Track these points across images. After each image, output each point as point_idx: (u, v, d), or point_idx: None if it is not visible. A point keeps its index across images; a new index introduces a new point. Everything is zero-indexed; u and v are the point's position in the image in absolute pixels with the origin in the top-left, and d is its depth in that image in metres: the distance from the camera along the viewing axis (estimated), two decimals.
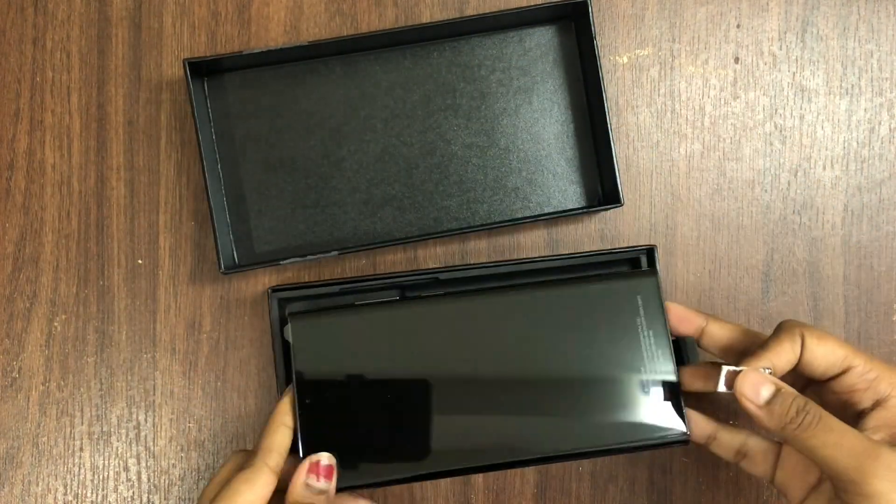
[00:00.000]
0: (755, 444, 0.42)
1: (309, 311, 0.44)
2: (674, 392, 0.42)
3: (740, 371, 0.38)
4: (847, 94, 0.50)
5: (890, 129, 0.50)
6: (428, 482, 0.48)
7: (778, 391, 0.37)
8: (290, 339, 0.42)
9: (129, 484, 0.48)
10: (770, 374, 0.39)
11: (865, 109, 0.50)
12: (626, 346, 0.42)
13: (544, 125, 0.48)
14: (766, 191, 0.50)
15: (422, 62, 0.48)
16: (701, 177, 0.50)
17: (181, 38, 0.48)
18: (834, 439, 0.35)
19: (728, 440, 0.42)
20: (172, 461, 0.48)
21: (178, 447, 0.48)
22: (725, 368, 0.39)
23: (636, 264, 0.46)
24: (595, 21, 0.46)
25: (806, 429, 0.36)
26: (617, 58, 0.49)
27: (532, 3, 0.48)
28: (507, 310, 0.43)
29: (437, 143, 0.48)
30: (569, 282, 0.44)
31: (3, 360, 0.48)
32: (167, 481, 0.48)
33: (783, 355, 0.39)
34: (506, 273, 0.45)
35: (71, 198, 0.48)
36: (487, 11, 0.48)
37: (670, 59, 0.49)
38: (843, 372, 0.39)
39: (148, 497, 0.48)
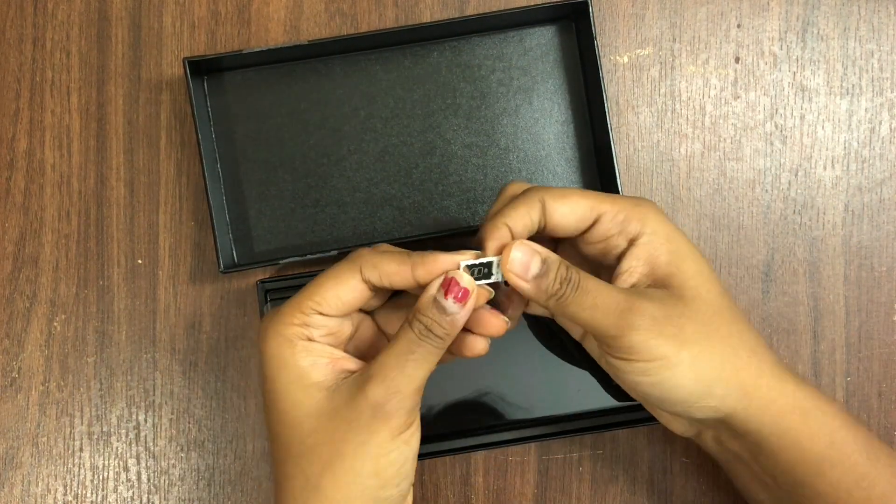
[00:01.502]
0: None
1: (288, 287, 0.45)
2: None
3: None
4: (848, 93, 0.50)
5: (890, 129, 0.50)
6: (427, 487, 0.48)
7: (544, 262, 0.36)
8: None
9: (129, 484, 0.48)
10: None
11: (866, 109, 0.50)
12: None
13: (544, 125, 0.48)
14: (766, 191, 0.49)
15: (422, 62, 0.48)
16: (701, 177, 0.49)
17: (181, 38, 0.48)
18: (590, 301, 0.35)
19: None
20: (172, 461, 0.48)
21: (178, 447, 0.48)
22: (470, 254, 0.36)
23: None
24: (595, 21, 0.46)
25: (567, 298, 0.35)
26: (617, 58, 0.49)
27: (532, 3, 0.48)
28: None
29: (437, 142, 0.48)
30: None
31: (3, 360, 0.48)
32: (167, 481, 0.48)
33: (519, 220, 0.37)
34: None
35: (71, 198, 0.48)
36: (487, 11, 0.47)
37: (671, 59, 0.49)
38: (594, 223, 0.38)
39: (148, 497, 0.48)
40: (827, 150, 0.50)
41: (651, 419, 0.46)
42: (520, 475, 0.48)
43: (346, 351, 0.37)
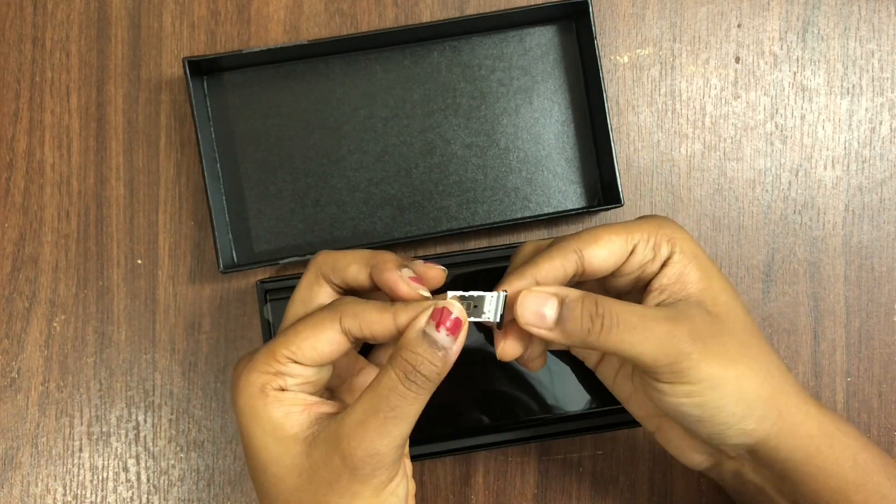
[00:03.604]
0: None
1: (287, 287, 0.44)
2: None
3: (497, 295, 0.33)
4: (848, 93, 0.50)
5: (891, 129, 0.50)
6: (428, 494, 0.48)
7: (563, 304, 0.33)
8: (270, 318, 0.44)
9: (129, 484, 0.48)
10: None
11: (866, 109, 0.50)
12: None
13: (544, 125, 0.48)
14: (766, 191, 0.49)
15: (422, 62, 0.48)
16: (701, 177, 0.49)
17: (181, 38, 0.48)
18: (639, 336, 0.33)
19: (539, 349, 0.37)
20: (172, 462, 0.48)
21: (178, 448, 0.48)
22: (489, 297, 0.33)
23: None
24: (595, 21, 0.46)
25: (608, 334, 0.33)
26: (617, 57, 0.49)
27: (532, 3, 0.48)
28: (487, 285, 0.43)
29: (437, 142, 0.48)
30: None
31: (3, 361, 0.47)
32: (167, 482, 0.48)
33: (551, 272, 0.34)
34: (494, 258, 0.45)
35: (70, 198, 0.48)
36: (488, 11, 0.47)
37: (671, 59, 0.49)
38: (630, 255, 0.36)
39: (147, 498, 0.48)
40: (827, 150, 0.50)
41: None
42: (520, 475, 0.48)
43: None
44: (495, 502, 0.48)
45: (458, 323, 0.32)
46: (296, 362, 0.33)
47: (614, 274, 0.36)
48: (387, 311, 0.32)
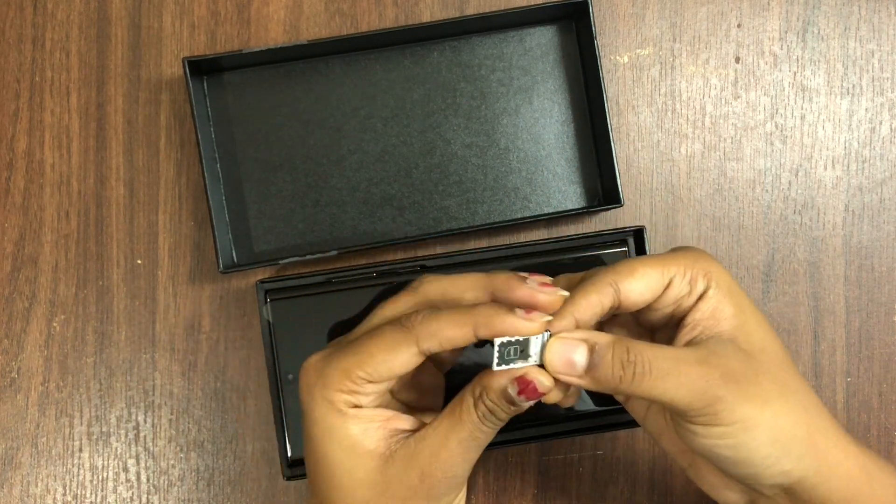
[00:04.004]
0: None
1: (287, 287, 0.45)
2: None
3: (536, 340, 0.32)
4: (848, 93, 0.50)
5: (891, 129, 0.50)
6: None
7: (593, 350, 0.33)
8: (270, 318, 0.44)
9: (129, 484, 0.48)
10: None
11: (866, 109, 0.50)
12: None
13: (544, 125, 0.48)
14: (766, 191, 0.49)
15: (422, 62, 0.48)
16: (701, 177, 0.49)
17: (181, 38, 0.48)
18: (672, 382, 0.32)
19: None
20: (172, 462, 0.48)
21: (178, 448, 0.48)
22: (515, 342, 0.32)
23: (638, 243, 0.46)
24: (595, 21, 0.46)
25: (641, 381, 0.32)
26: (617, 57, 0.49)
27: (532, 3, 0.48)
28: None
29: (437, 142, 0.48)
30: (542, 255, 0.45)
31: (2, 361, 0.47)
32: (167, 482, 0.48)
33: (589, 310, 0.34)
34: (494, 258, 0.45)
35: (70, 198, 0.48)
36: (488, 11, 0.47)
37: (671, 59, 0.49)
38: (666, 288, 0.35)
39: (147, 498, 0.47)
40: (827, 150, 0.50)
41: None
42: (520, 475, 0.48)
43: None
44: (495, 502, 0.48)
45: (540, 394, 0.32)
46: (370, 382, 0.33)
47: (650, 307, 0.36)
48: (466, 325, 0.32)
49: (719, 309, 0.35)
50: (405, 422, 0.35)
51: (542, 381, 0.32)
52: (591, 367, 0.33)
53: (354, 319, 0.44)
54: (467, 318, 0.32)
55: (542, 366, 0.33)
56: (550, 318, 0.33)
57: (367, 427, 0.33)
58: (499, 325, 0.31)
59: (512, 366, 0.32)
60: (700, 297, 0.35)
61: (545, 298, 0.33)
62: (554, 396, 0.34)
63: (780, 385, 0.34)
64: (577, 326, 0.34)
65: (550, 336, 0.32)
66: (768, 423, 0.33)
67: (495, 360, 0.32)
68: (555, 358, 0.33)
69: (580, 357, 0.33)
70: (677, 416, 0.34)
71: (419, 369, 0.35)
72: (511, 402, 0.32)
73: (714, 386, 0.32)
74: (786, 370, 0.35)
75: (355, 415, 0.33)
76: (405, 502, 0.33)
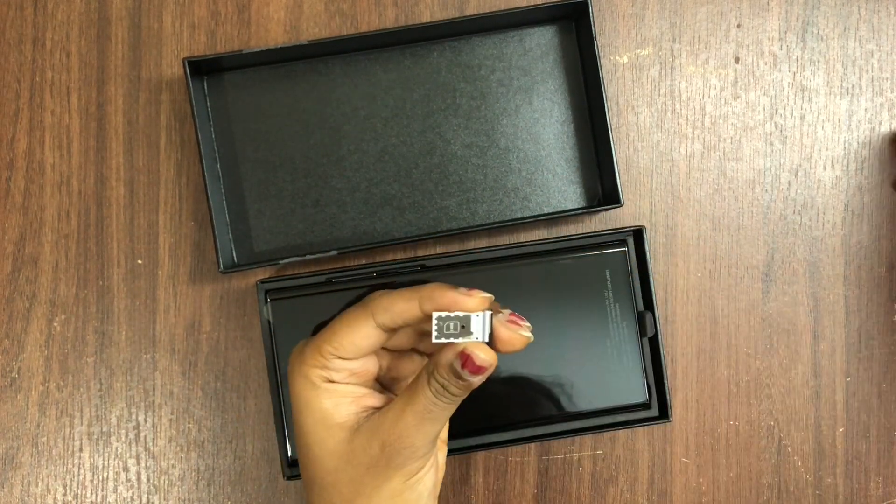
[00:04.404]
0: None
1: (287, 287, 0.45)
2: (637, 361, 0.46)
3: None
4: (847, 93, 0.50)
5: (891, 129, 0.50)
6: None
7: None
8: (270, 318, 0.44)
9: (129, 484, 0.48)
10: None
11: (866, 109, 0.50)
12: (594, 317, 0.45)
13: (544, 125, 0.48)
14: (766, 191, 0.49)
15: (422, 62, 0.48)
16: (701, 177, 0.49)
17: (181, 38, 0.48)
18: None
19: None
20: (172, 461, 0.48)
21: (178, 447, 0.48)
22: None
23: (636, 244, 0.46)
24: (595, 21, 0.46)
25: None
26: (617, 58, 0.49)
27: (532, 3, 0.48)
28: (484, 285, 0.43)
29: (437, 142, 0.48)
30: (542, 255, 0.46)
31: (3, 361, 0.47)
32: (167, 482, 0.48)
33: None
34: (494, 258, 0.45)
35: (70, 198, 0.48)
36: (487, 11, 0.47)
37: (670, 59, 0.49)
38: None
39: (147, 497, 0.48)
40: (827, 150, 0.50)
41: (651, 419, 0.46)
42: (520, 475, 0.48)
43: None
44: (495, 502, 0.48)
45: (480, 369, 0.34)
46: (339, 357, 0.36)
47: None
48: (412, 299, 0.35)
49: None
50: (377, 399, 0.37)
51: (480, 354, 0.34)
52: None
53: None
54: (414, 293, 0.35)
55: (490, 343, 0.34)
56: (490, 296, 0.35)
57: (338, 401, 0.36)
58: (439, 298, 0.34)
59: (452, 340, 0.34)
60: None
61: (466, 298, 0.35)
62: (520, 344, 0.35)
63: None
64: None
65: (492, 314, 0.34)
66: None
67: (434, 333, 0.34)
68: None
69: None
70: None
71: (401, 357, 0.39)
72: (458, 376, 0.34)
73: None
74: None
75: (327, 389, 0.36)
76: (368, 470, 0.36)
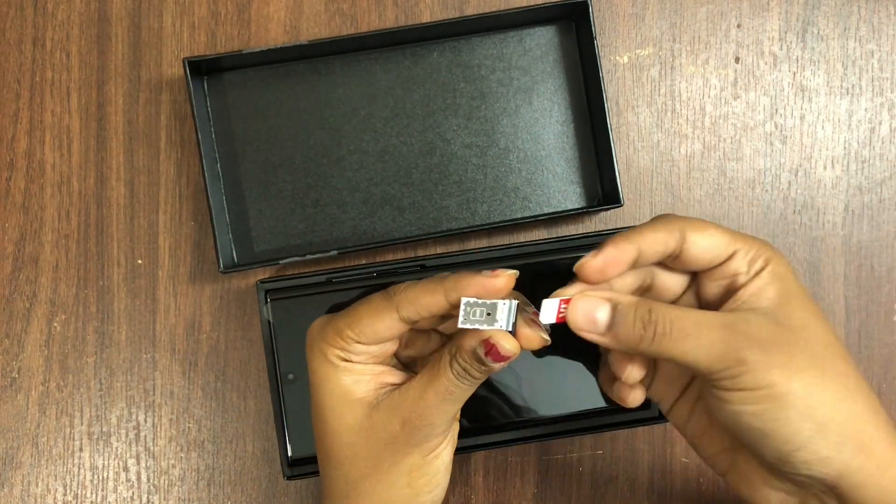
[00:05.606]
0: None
1: (287, 287, 0.45)
2: None
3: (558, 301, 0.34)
4: (848, 93, 0.50)
5: (890, 129, 0.50)
6: None
7: (615, 309, 0.33)
8: (270, 318, 0.44)
9: (129, 484, 0.48)
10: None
11: (866, 109, 0.50)
12: None
13: (544, 125, 0.48)
14: (766, 191, 0.49)
15: (422, 62, 0.48)
16: (701, 177, 0.49)
17: (181, 38, 0.48)
18: (692, 343, 0.32)
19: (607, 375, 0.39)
20: (172, 461, 0.48)
21: (178, 447, 0.48)
22: (546, 302, 0.34)
23: None
24: (595, 21, 0.46)
25: (661, 341, 0.32)
26: (617, 58, 0.49)
27: (532, 3, 0.48)
28: None
29: (437, 142, 0.48)
30: (542, 255, 0.45)
31: (3, 361, 0.48)
32: (167, 481, 0.48)
33: (655, 244, 0.34)
34: (494, 258, 0.45)
35: (70, 198, 0.48)
36: (487, 11, 0.48)
37: (671, 59, 0.49)
38: (727, 259, 0.35)
39: (148, 497, 0.48)
40: (827, 150, 0.50)
41: (651, 419, 0.46)
42: (520, 475, 0.48)
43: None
44: (495, 502, 0.48)
45: (504, 358, 0.34)
46: (359, 342, 0.36)
47: (706, 275, 0.36)
48: (437, 292, 0.34)
49: (766, 289, 0.34)
50: (395, 376, 0.37)
51: (504, 345, 0.33)
52: (612, 326, 0.33)
53: None
54: (438, 285, 0.34)
55: (513, 332, 0.34)
56: (516, 272, 0.34)
57: (357, 378, 0.36)
58: (465, 284, 0.34)
59: (477, 326, 0.33)
60: (753, 278, 0.34)
61: (493, 279, 0.34)
62: (536, 344, 0.35)
63: (822, 362, 0.32)
64: (640, 256, 0.34)
65: (517, 304, 0.34)
66: (798, 394, 0.31)
67: (461, 318, 0.33)
68: (578, 315, 0.34)
69: (602, 315, 0.34)
70: (705, 383, 0.34)
71: (420, 335, 0.38)
72: (480, 361, 0.34)
73: (736, 349, 0.32)
74: (832, 351, 0.33)
75: (346, 367, 0.36)
76: (387, 445, 0.36)
